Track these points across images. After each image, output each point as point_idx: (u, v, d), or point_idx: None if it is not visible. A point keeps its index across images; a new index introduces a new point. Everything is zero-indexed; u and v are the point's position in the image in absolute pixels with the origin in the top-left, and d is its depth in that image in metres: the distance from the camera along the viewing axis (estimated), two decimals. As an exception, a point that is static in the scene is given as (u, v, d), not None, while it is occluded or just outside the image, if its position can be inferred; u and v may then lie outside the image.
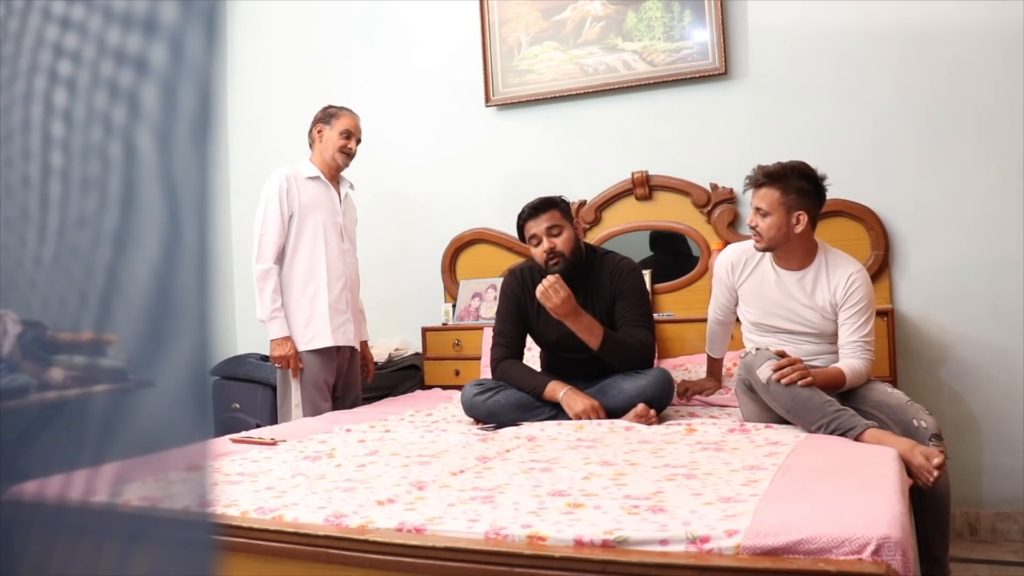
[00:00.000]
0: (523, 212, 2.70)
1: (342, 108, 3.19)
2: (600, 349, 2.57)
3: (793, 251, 2.44)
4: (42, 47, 0.75)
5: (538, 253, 2.66)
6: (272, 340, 3.01)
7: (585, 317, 2.56)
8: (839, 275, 2.40)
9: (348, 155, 3.15)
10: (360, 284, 3.32)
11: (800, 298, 2.44)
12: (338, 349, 3.10)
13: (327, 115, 3.16)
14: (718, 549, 1.25)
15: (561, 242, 2.63)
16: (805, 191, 2.37)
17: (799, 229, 2.38)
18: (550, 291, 2.51)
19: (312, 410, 2.99)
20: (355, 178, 3.33)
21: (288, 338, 3.00)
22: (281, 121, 4.09)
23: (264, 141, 4.17)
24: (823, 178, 2.42)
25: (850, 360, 2.34)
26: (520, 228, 2.72)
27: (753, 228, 2.43)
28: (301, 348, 3.01)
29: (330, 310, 3.04)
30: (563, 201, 2.72)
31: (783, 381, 2.19)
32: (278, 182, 3.04)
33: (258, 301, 3.03)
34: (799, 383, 2.18)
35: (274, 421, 3.16)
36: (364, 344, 3.36)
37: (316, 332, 3.02)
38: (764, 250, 2.47)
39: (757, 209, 2.41)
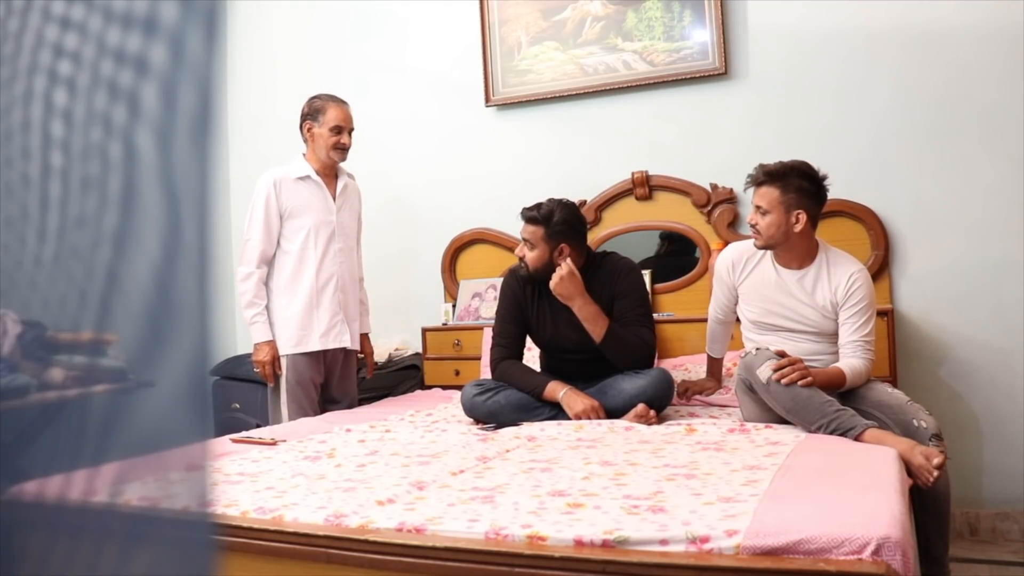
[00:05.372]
0: (522, 211, 2.73)
1: (328, 99, 3.05)
2: (602, 342, 2.57)
3: (793, 250, 2.44)
4: (42, 47, 0.75)
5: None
6: (254, 344, 3.01)
7: (592, 306, 2.59)
8: (840, 274, 2.40)
9: (343, 150, 3.05)
10: (362, 280, 3.29)
11: (800, 297, 2.44)
12: (327, 351, 3.07)
13: (313, 110, 3.04)
14: (718, 549, 1.25)
15: (529, 257, 2.68)
16: (805, 190, 2.38)
17: (798, 228, 2.38)
18: (556, 271, 2.60)
19: (297, 407, 2.98)
20: (349, 171, 3.30)
21: (269, 343, 2.98)
22: (280, 121, 4.08)
23: (263, 141, 4.17)
24: (824, 178, 2.42)
25: (850, 360, 2.34)
26: None
27: (753, 226, 2.44)
28: (289, 351, 2.99)
29: (319, 315, 3.01)
30: (558, 223, 2.63)
31: (783, 381, 2.19)
32: (265, 188, 2.99)
33: (239, 304, 3.04)
34: (799, 383, 2.18)
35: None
36: (365, 337, 3.30)
37: (304, 337, 2.99)
38: (763, 248, 2.48)
39: (757, 207, 2.42)
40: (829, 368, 2.32)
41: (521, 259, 2.72)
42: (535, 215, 2.67)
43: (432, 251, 3.79)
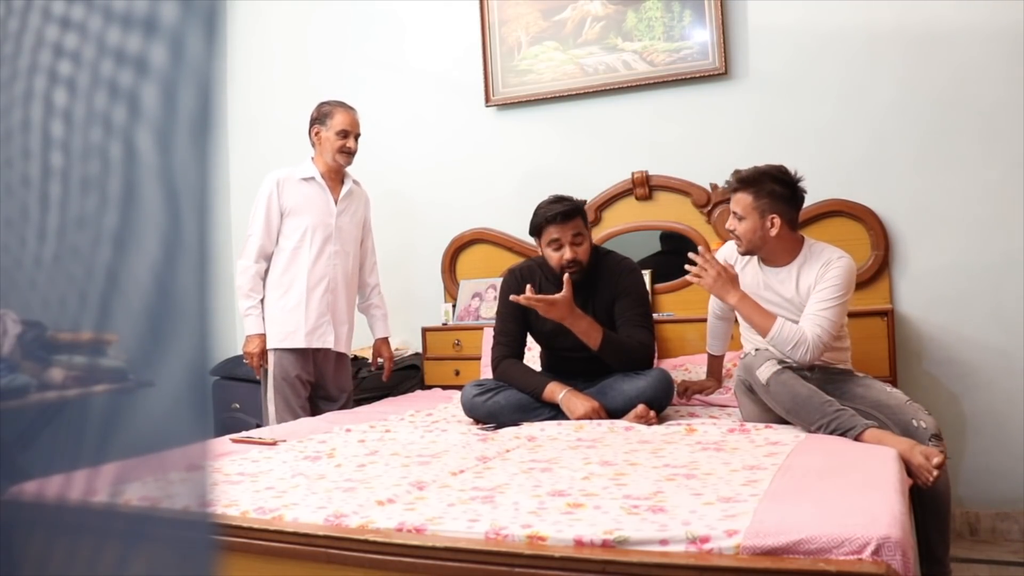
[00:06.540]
0: (548, 214, 2.60)
1: (336, 104, 3.12)
2: (599, 350, 2.57)
3: (774, 252, 2.46)
4: (42, 47, 0.75)
5: (555, 257, 2.61)
6: (245, 335, 3.06)
7: (584, 320, 2.55)
8: (820, 261, 2.41)
9: (349, 154, 3.10)
10: (379, 286, 3.36)
11: (786, 294, 2.45)
12: (316, 350, 3.09)
13: (321, 115, 3.11)
14: (718, 549, 1.25)
15: (582, 251, 2.62)
16: (778, 194, 2.39)
17: (774, 232, 2.39)
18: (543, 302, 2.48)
19: (283, 402, 3.01)
20: (355, 178, 3.32)
21: (259, 336, 3.03)
22: (280, 121, 4.09)
23: (263, 141, 4.17)
24: (799, 180, 2.43)
25: (793, 324, 2.32)
26: (539, 227, 2.64)
27: (731, 231, 2.46)
28: (275, 346, 3.03)
29: (306, 313, 3.04)
30: (583, 205, 2.68)
31: (692, 279, 2.39)
32: (268, 186, 3.07)
33: (236, 295, 3.11)
34: (694, 282, 2.39)
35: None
36: (384, 341, 3.36)
37: (290, 333, 3.04)
38: (746, 254, 2.50)
39: (733, 213, 2.44)
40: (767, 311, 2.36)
41: (572, 260, 2.58)
42: (576, 205, 2.62)
43: (432, 251, 3.80)
